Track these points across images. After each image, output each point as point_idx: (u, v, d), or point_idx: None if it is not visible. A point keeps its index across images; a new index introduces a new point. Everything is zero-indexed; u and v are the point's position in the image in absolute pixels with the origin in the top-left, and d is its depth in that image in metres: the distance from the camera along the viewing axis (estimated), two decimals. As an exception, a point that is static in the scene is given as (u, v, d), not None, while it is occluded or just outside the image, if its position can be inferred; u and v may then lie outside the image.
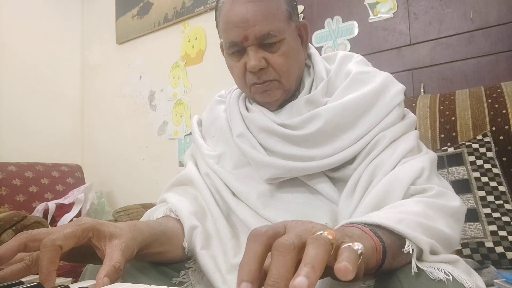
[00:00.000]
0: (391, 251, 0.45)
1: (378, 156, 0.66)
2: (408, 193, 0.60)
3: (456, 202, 0.61)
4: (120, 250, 0.49)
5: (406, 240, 0.47)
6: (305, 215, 0.66)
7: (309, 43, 0.80)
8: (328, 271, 0.41)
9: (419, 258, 0.48)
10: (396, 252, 0.46)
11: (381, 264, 0.43)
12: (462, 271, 0.48)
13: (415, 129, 0.73)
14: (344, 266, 0.32)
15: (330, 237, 0.35)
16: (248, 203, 0.70)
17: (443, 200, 0.59)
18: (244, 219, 0.69)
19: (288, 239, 0.34)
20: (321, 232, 0.36)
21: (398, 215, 0.50)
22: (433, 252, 0.49)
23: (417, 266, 0.46)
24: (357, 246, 0.36)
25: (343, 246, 0.35)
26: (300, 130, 0.70)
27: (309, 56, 0.80)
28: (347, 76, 0.74)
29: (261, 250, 0.36)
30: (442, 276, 0.44)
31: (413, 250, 0.46)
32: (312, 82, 0.76)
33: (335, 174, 0.70)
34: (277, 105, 0.76)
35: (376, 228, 0.46)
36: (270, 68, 0.71)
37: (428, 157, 0.67)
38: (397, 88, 0.72)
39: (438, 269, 0.45)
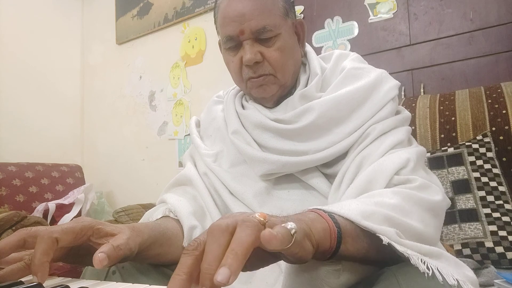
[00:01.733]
0: (351, 237, 0.45)
1: (366, 148, 0.66)
2: (391, 183, 0.60)
3: (437, 196, 0.59)
4: (124, 239, 0.49)
5: (377, 235, 0.46)
6: None
7: (305, 42, 0.81)
8: (280, 255, 0.41)
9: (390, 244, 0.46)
10: (357, 238, 0.46)
11: (336, 248, 0.43)
12: (450, 265, 0.48)
13: (409, 126, 0.73)
14: (269, 232, 0.34)
15: (261, 218, 0.36)
16: (245, 202, 0.70)
17: (424, 194, 0.58)
18: None
19: (222, 222, 0.36)
20: (253, 214, 0.37)
21: (370, 208, 0.49)
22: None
23: (413, 266, 0.45)
24: (290, 225, 0.37)
25: (275, 225, 0.37)
26: (294, 124, 0.70)
27: (305, 54, 0.80)
28: (341, 72, 0.74)
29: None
30: (421, 268, 0.44)
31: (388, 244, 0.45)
32: (308, 78, 0.77)
33: (328, 170, 0.70)
34: (273, 101, 0.76)
35: (339, 216, 0.46)
36: (265, 62, 0.71)
37: (416, 149, 0.66)
38: (391, 83, 0.72)
39: (422, 260, 0.45)
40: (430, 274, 0.43)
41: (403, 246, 0.46)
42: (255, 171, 0.72)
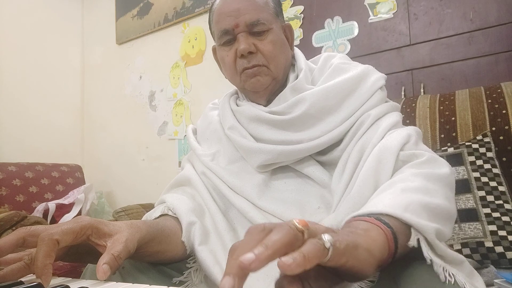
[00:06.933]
0: (401, 237, 0.44)
1: (364, 134, 0.69)
2: (398, 159, 0.62)
3: (447, 168, 0.61)
4: (122, 243, 0.49)
5: (412, 229, 0.46)
6: (298, 202, 0.69)
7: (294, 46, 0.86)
8: (339, 273, 0.39)
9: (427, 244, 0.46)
10: (404, 238, 0.45)
11: (395, 251, 0.42)
12: (465, 274, 0.47)
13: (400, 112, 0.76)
14: (281, 261, 0.32)
15: (299, 225, 0.35)
16: (244, 195, 0.72)
17: (437, 169, 0.60)
18: (242, 209, 0.70)
19: (260, 224, 0.37)
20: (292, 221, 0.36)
21: (404, 199, 0.49)
22: (439, 237, 0.48)
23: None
24: (325, 237, 0.35)
25: (309, 240, 0.35)
26: (287, 114, 0.73)
27: (293, 57, 0.84)
28: (330, 68, 0.79)
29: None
30: (442, 277, 0.44)
31: (418, 240, 0.45)
32: (297, 76, 0.80)
33: (323, 158, 0.73)
34: (266, 96, 0.79)
35: (383, 216, 0.45)
36: (259, 53, 0.75)
37: (412, 127, 0.70)
38: (377, 75, 0.77)
39: (444, 269, 0.45)
40: (452, 282, 0.43)
41: (434, 249, 0.46)
42: (251, 162, 0.74)
